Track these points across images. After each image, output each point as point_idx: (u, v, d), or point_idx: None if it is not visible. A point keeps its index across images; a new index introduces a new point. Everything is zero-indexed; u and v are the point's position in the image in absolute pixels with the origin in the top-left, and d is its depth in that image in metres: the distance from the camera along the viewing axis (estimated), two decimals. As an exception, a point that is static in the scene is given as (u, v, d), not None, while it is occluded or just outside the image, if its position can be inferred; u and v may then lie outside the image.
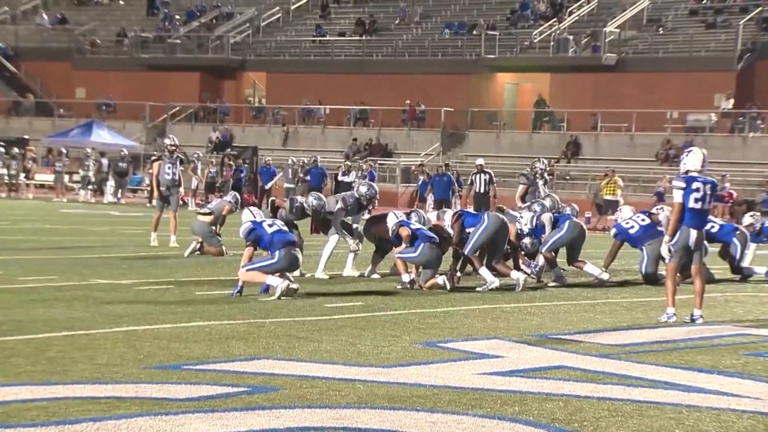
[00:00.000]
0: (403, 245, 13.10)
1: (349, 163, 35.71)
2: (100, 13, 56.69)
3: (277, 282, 11.44)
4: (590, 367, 7.92)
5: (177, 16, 53.10)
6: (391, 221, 13.41)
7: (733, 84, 38.23)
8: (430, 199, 31.64)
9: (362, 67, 45.15)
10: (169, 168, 17.77)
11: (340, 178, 33.98)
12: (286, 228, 12.02)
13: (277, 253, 11.54)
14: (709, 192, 10.55)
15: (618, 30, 41.36)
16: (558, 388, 7.09)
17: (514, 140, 40.70)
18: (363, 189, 14.32)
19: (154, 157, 18.57)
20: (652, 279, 14.37)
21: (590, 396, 6.88)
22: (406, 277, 12.97)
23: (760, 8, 39.79)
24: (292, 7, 51.08)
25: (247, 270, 11.56)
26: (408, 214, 14.00)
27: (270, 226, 11.77)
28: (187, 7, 53.62)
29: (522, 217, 14.55)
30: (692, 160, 10.68)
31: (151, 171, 19.31)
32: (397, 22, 48.00)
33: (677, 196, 10.58)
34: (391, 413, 6.24)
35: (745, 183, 33.63)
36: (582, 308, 11.66)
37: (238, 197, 17.37)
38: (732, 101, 37.87)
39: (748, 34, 38.86)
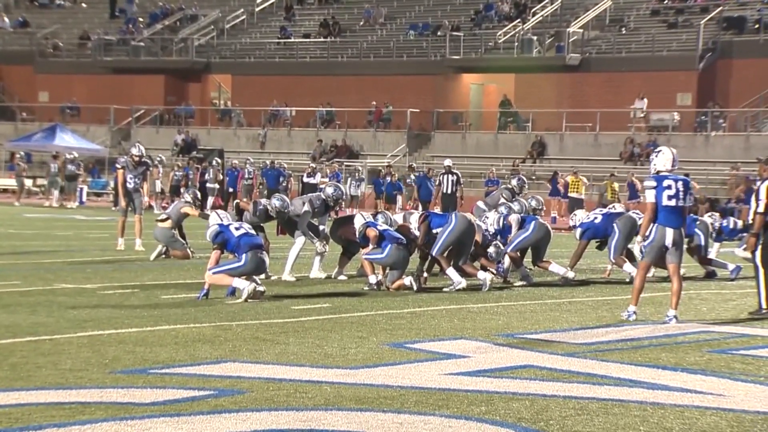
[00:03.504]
0: (370, 246, 13.11)
1: (314, 165, 35.73)
2: (63, 16, 56.25)
3: (243, 285, 11.41)
4: (556, 366, 7.97)
5: (140, 19, 52.81)
6: (358, 222, 13.42)
7: (695, 83, 38.59)
8: (400, 201, 31.74)
9: (327, 69, 45.13)
10: (131, 178, 17.80)
11: (305, 179, 33.99)
12: (252, 231, 12.00)
13: (244, 256, 11.52)
14: (682, 189, 10.52)
15: (581, 30, 41.63)
16: (524, 388, 7.13)
17: (480, 141, 40.84)
18: (330, 190, 14.31)
19: (118, 165, 18.48)
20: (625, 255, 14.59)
21: (556, 395, 6.92)
22: (373, 279, 12.97)
23: (720, 8, 40.18)
24: (257, 9, 50.95)
25: (214, 273, 11.52)
26: (375, 215, 14.01)
27: (237, 229, 11.74)
28: (151, 10, 53.34)
29: (488, 217, 14.63)
30: (662, 160, 10.73)
31: (116, 177, 19.25)
32: (361, 23, 48.01)
33: (650, 196, 10.62)
34: (358, 415, 6.25)
35: (707, 182, 33.93)
36: (548, 307, 11.72)
37: (197, 194, 17.28)
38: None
39: (709, 33, 39.23)
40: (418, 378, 7.37)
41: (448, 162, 29.49)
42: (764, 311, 11.23)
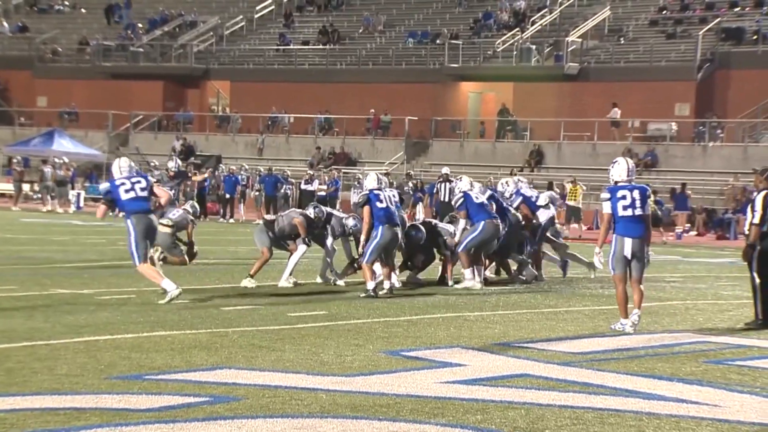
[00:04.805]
0: (364, 232, 13.27)
1: (312, 172, 35.75)
2: (62, 22, 56.28)
3: (171, 287, 11.47)
4: (552, 375, 7.97)
5: (140, 25, 52.84)
6: (355, 197, 13.96)
7: (693, 94, 38.64)
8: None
9: (326, 76, 45.15)
10: (169, 189, 17.77)
11: (303, 186, 34.01)
12: (143, 194, 11.97)
13: (129, 222, 11.69)
14: (638, 198, 10.51)
15: (580, 40, 41.68)
16: (520, 396, 7.12)
17: (477, 149, 40.86)
18: (350, 222, 14.47)
19: (153, 179, 18.66)
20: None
21: (552, 404, 6.92)
22: (371, 285, 12.99)
23: (718, 19, 40.24)
24: (256, 16, 51.00)
25: (139, 265, 11.71)
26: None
27: (126, 191, 11.86)
28: (150, 16, 53.39)
29: (508, 184, 15.74)
30: (618, 170, 10.76)
31: None
32: (360, 31, 48.06)
33: (605, 207, 10.66)
34: (353, 422, 6.24)
35: (704, 192, 33.96)
36: (544, 316, 11.72)
37: (196, 207, 17.29)
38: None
39: (708, 44, 39.29)
40: (414, 386, 7.36)
41: (445, 170, 29.51)
42: (760, 322, 11.24)
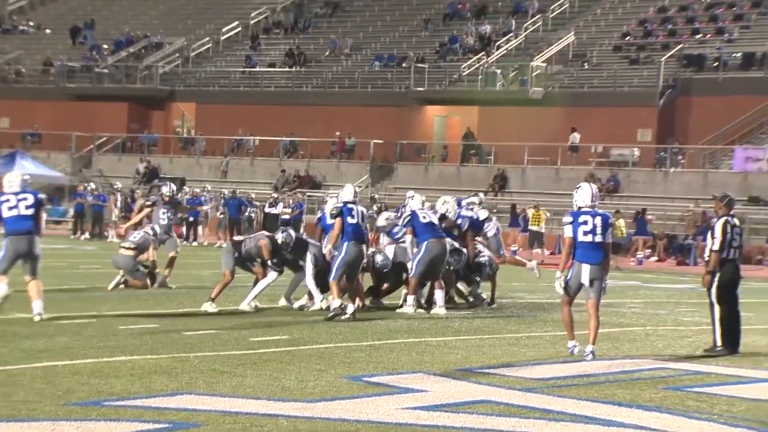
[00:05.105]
0: (331, 243, 13.36)
1: (276, 195, 35.69)
2: (26, 42, 55.94)
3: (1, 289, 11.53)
4: (513, 402, 7.99)
5: (105, 46, 52.63)
6: (329, 206, 13.89)
7: (656, 119, 39.03)
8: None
9: (292, 99, 45.18)
10: (163, 213, 17.57)
11: (267, 209, 33.94)
12: (26, 213, 11.80)
13: (3, 243, 11.61)
14: (600, 224, 10.54)
15: (545, 64, 42.03)
16: (481, 423, 7.14)
17: (442, 173, 40.98)
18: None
19: (149, 202, 18.59)
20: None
21: (513, 430, 6.94)
22: (336, 302, 12.98)
23: (680, 45, 40.73)
24: (222, 38, 50.99)
25: None
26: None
27: (9, 209, 11.70)
28: (116, 37, 53.20)
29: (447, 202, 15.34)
30: (581, 196, 10.78)
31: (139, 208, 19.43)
32: (327, 53, 48.18)
33: (566, 231, 10.68)
34: (313, 450, 6.22)
35: (666, 217, 34.23)
36: (507, 342, 11.76)
37: (156, 229, 17.15)
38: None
39: (670, 70, 39.74)
40: (376, 412, 7.36)
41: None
42: (719, 349, 11.33)
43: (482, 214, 15.88)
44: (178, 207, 18.56)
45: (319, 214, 15.73)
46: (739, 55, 39.04)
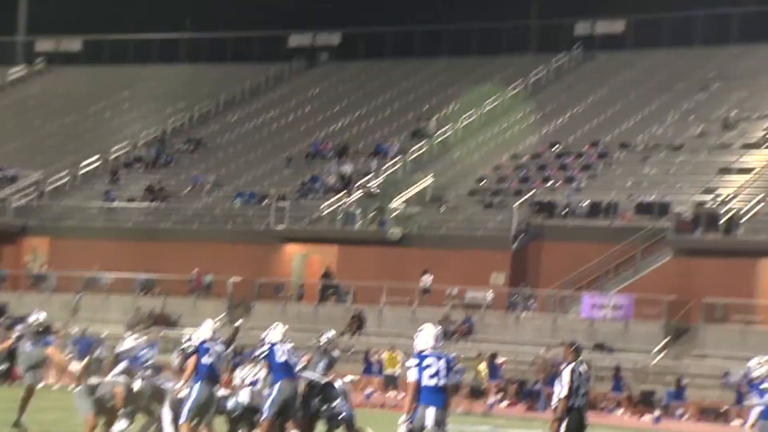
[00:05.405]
0: (183, 381, 13.26)
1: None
2: None
3: None
4: None
5: (-44, 176, 51.37)
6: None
7: (509, 263, 39.98)
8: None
9: (151, 235, 44.71)
10: (31, 345, 16.99)
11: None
12: None
13: None
14: (444, 367, 10.56)
15: (404, 205, 42.89)
16: None
17: (300, 312, 40.78)
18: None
19: (17, 332, 17.90)
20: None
21: None
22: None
23: (532, 191, 42.20)
24: (81, 172, 50.41)
25: None
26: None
27: None
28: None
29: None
30: (424, 338, 10.83)
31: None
32: (188, 189, 48.11)
33: (411, 375, 10.62)
34: None
35: (517, 362, 34.38)
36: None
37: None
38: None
39: (523, 215, 40.96)
40: None
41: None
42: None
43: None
44: (48, 336, 18.01)
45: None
46: (586, 203, 40.42)
